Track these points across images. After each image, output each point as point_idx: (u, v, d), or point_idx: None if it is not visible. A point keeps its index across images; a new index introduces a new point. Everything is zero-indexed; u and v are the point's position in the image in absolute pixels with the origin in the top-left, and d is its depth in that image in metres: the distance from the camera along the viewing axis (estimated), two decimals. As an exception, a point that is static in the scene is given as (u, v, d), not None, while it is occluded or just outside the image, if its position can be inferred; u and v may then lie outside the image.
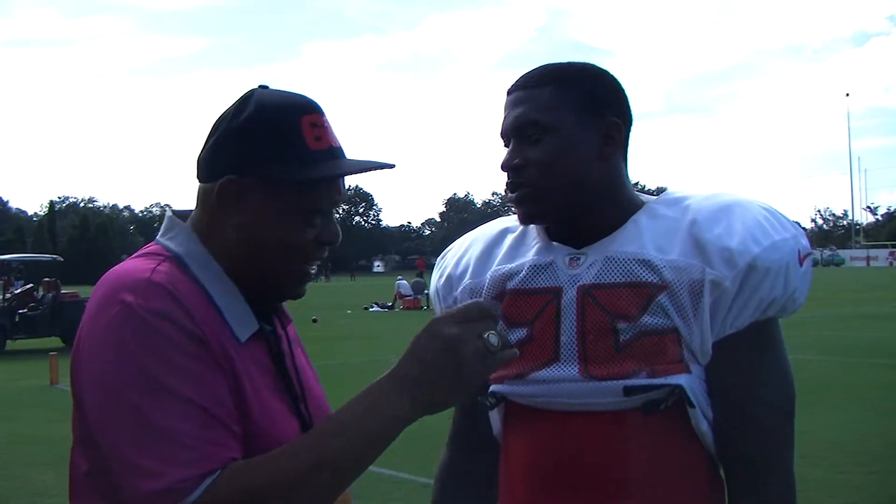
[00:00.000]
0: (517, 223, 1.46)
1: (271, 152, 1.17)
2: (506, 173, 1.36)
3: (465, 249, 1.51)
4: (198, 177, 1.23)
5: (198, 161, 1.23)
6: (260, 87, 1.23)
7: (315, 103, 1.22)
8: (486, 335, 1.06)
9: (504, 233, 1.48)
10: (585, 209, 1.34)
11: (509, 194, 1.36)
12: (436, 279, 1.53)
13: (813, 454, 5.65)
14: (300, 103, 1.21)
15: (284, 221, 1.18)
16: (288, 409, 1.20)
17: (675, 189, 1.43)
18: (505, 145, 1.38)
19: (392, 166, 1.24)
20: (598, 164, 1.33)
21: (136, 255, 1.21)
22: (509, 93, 1.38)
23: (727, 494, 1.35)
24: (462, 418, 1.54)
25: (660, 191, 1.53)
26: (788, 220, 1.32)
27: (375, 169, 1.23)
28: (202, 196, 1.22)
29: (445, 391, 1.06)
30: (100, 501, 1.12)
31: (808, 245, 1.32)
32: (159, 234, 1.24)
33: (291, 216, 1.18)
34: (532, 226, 1.43)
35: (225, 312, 1.16)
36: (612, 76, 1.38)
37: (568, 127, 1.32)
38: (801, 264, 1.29)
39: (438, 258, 1.58)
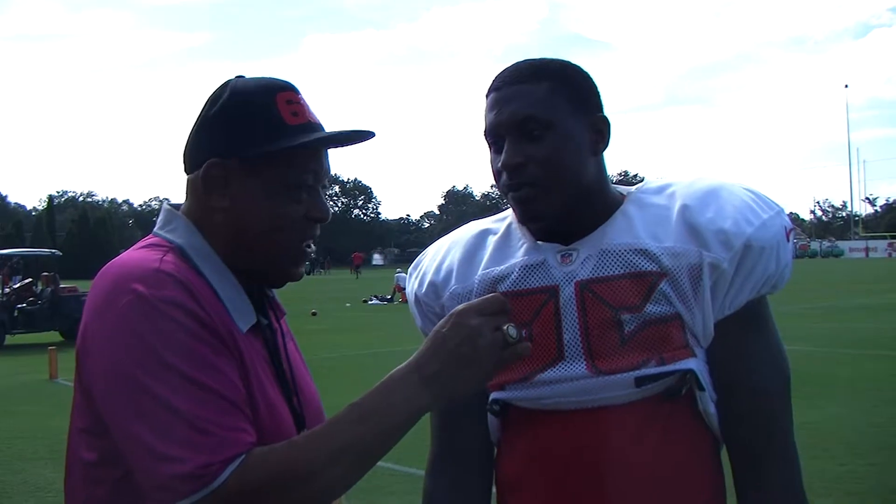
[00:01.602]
0: (496, 224, 1.44)
1: (250, 131, 1.19)
2: (503, 174, 1.31)
3: (443, 254, 1.46)
4: (185, 169, 1.25)
5: (183, 154, 1.25)
6: (237, 77, 1.25)
7: (290, 82, 1.24)
8: (505, 327, 1.11)
9: (484, 234, 1.44)
10: (580, 205, 1.33)
11: (510, 194, 1.31)
12: (414, 287, 1.48)
13: (813, 445, 5.65)
14: (274, 83, 1.23)
15: (270, 199, 1.19)
16: (283, 402, 1.21)
17: (652, 178, 1.43)
18: (491, 144, 1.34)
19: (371, 135, 1.24)
20: (593, 159, 1.34)
21: (136, 246, 1.21)
22: (495, 89, 1.33)
23: (733, 473, 1.35)
24: (442, 442, 1.50)
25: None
26: (769, 198, 1.34)
27: (353, 138, 1.23)
28: (190, 187, 1.23)
29: (465, 380, 1.10)
30: (104, 491, 1.12)
31: (790, 221, 1.35)
32: (157, 226, 1.24)
33: (277, 193, 1.19)
34: (515, 225, 1.41)
35: (227, 303, 1.16)
36: (588, 73, 1.37)
37: (565, 124, 1.30)
38: (787, 240, 1.32)
39: (411, 266, 1.54)
